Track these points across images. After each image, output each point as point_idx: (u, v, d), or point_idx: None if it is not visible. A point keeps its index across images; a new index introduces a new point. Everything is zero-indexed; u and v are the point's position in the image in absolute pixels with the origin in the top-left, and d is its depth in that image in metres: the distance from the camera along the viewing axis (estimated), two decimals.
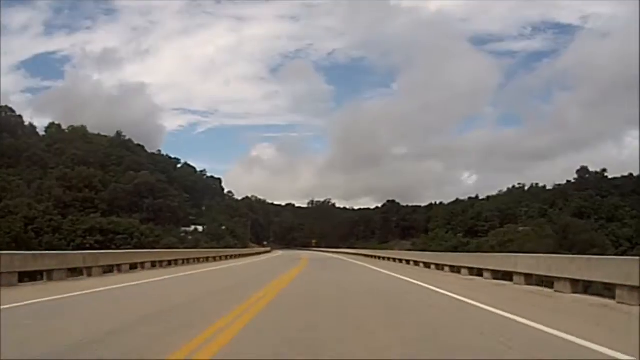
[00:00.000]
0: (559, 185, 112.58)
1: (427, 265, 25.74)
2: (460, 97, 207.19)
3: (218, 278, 19.23)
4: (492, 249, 61.58)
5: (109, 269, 18.72)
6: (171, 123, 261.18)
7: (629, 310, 8.72)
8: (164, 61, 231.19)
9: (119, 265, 19.56)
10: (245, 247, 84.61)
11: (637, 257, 9.47)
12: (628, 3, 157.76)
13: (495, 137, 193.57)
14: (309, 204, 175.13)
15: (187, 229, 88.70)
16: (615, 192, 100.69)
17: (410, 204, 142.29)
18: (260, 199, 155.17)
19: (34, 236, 63.71)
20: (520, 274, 13.93)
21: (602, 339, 5.93)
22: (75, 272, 16.58)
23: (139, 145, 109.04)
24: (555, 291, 11.66)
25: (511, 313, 8.27)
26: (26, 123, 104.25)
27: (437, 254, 30.55)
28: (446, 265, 21.97)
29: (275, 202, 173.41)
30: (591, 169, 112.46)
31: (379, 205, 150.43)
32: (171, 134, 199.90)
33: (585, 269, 10.86)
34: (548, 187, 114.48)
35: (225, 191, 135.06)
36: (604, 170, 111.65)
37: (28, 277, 14.31)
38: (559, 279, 11.72)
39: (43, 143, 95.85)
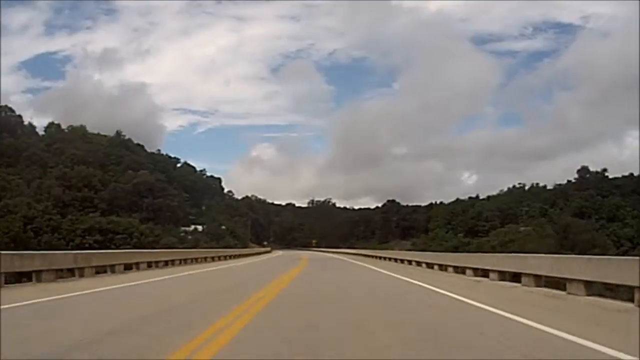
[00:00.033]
0: (560, 185, 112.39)
1: (429, 265, 25.09)
2: (460, 97, 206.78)
3: (216, 279, 18.86)
4: (493, 249, 61.38)
5: (102, 270, 18.04)
6: (171, 123, 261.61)
7: None
8: (164, 61, 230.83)
9: (112, 266, 18.87)
10: (245, 247, 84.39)
11: None
12: (628, 3, 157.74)
13: (495, 137, 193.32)
14: (309, 203, 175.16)
15: (187, 228, 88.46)
16: (616, 192, 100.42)
17: (410, 204, 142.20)
18: (260, 199, 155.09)
19: (32, 236, 63.62)
20: (529, 275, 13.40)
21: (620, 345, 5.67)
22: (68, 273, 16.16)
23: (138, 144, 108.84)
24: (568, 293, 11.15)
25: (529, 319, 7.57)
26: (25, 123, 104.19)
27: (440, 254, 29.77)
28: (450, 266, 21.39)
29: (276, 202, 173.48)
30: (591, 169, 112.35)
31: (379, 205, 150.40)
32: (171, 134, 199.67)
33: (600, 270, 10.37)
34: (548, 187, 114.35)
35: (225, 191, 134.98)
36: (605, 170, 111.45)
37: (15, 278, 13.81)
38: (571, 280, 11.21)
39: (42, 143, 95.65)
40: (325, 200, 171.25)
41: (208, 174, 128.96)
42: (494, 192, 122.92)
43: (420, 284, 15.18)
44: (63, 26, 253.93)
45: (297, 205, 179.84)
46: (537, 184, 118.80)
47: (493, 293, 12.35)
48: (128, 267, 20.37)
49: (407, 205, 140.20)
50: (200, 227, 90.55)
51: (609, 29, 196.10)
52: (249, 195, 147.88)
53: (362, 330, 6.79)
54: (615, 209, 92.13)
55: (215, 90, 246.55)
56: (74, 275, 16.18)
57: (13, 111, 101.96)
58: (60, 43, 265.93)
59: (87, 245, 60.09)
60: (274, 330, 6.70)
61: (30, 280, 14.00)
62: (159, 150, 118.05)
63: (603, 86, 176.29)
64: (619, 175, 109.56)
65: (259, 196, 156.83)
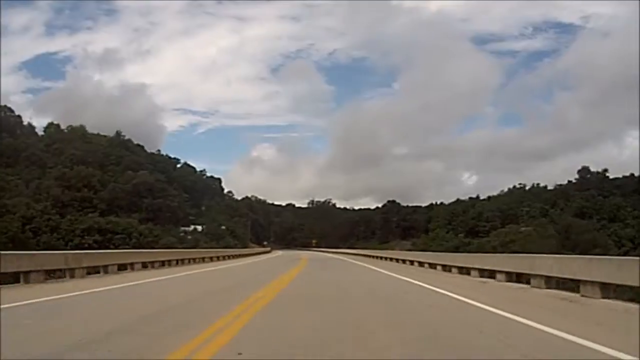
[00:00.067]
0: (560, 185, 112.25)
1: (432, 266, 24.47)
2: (460, 97, 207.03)
3: (213, 279, 18.38)
4: (494, 250, 61.08)
5: (94, 271, 17.37)
6: (172, 123, 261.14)
7: None
8: (164, 61, 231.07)
9: (105, 267, 18.19)
10: (245, 247, 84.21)
11: None
12: (628, 3, 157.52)
13: (495, 137, 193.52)
14: (309, 204, 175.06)
15: (187, 228, 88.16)
16: (617, 192, 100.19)
17: (410, 204, 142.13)
18: (260, 199, 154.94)
19: (31, 236, 63.25)
20: (539, 276, 12.85)
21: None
22: (59, 274, 15.63)
23: (138, 145, 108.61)
24: (582, 295, 10.64)
25: (548, 325, 6.94)
26: (25, 123, 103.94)
27: (444, 254, 28.88)
28: (454, 267, 20.77)
29: (276, 202, 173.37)
30: (592, 169, 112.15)
31: (379, 206, 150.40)
32: (171, 135, 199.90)
33: (618, 272, 9.80)
34: (549, 188, 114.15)
35: (225, 191, 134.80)
36: (605, 170, 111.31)
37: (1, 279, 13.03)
38: (585, 282, 10.69)
39: (42, 143, 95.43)
40: (325, 201, 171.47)
41: (208, 174, 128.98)
42: (494, 193, 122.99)
43: (424, 284, 14.74)
44: (63, 26, 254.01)
45: (297, 205, 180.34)
46: (538, 184, 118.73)
47: (503, 295, 11.77)
48: (123, 268, 19.72)
49: (407, 206, 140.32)
50: (200, 228, 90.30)
51: (609, 29, 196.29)
52: (249, 195, 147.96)
53: (362, 331, 6.65)
54: (616, 209, 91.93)
55: (216, 91, 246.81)
56: (64, 276, 15.59)
57: (12, 111, 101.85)
58: (61, 43, 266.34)
59: (86, 245, 59.71)
60: (273, 331, 6.58)
61: (18, 281, 13.42)
62: (158, 150, 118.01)
63: (603, 86, 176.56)
64: (620, 176, 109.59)
65: (259, 196, 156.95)
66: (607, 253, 55.05)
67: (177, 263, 27.34)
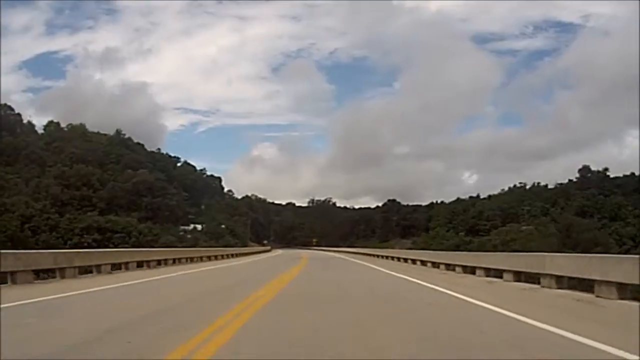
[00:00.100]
0: (561, 184, 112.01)
1: (435, 265, 23.78)
2: (461, 97, 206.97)
3: (209, 279, 17.91)
4: (495, 248, 60.85)
5: (86, 270, 16.88)
6: (172, 122, 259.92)
7: None
8: (165, 61, 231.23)
9: (98, 266, 17.60)
10: (245, 246, 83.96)
11: None
12: (628, 3, 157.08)
13: (496, 137, 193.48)
14: (309, 203, 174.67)
15: (186, 227, 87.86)
16: (618, 191, 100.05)
17: (410, 204, 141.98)
18: (260, 198, 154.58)
19: (30, 235, 63.01)
20: (550, 276, 12.30)
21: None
22: (51, 274, 15.16)
23: (138, 143, 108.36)
24: (597, 296, 10.11)
25: (563, 328, 6.51)
26: (25, 121, 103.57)
27: (447, 253, 27.89)
28: (458, 265, 20.05)
29: (276, 201, 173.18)
30: (592, 169, 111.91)
31: (380, 205, 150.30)
32: (172, 134, 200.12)
33: (636, 271, 9.20)
34: (550, 186, 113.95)
35: (225, 190, 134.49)
36: (606, 169, 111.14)
37: None
38: (600, 282, 10.17)
39: (41, 141, 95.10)
40: (325, 200, 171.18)
41: (208, 173, 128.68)
42: (495, 192, 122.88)
43: (428, 284, 14.19)
44: (64, 26, 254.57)
45: (297, 204, 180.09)
46: (538, 183, 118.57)
47: (514, 296, 11.26)
48: (117, 267, 19.17)
49: (407, 205, 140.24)
50: (199, 227, 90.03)
51: (610, 29, 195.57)
52: (249, 194, 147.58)
53: (366, 336, 6.37)
54: (617, 208, 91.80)
55: (217, 90, 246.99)
56: (55, 277, 15.06)
57: (12, 109, 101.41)
58: (62, 43, 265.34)
59: (85, 244, 59.44)
60: (272, 331, 6.42)
61: (5, 282, 12.79)
62: (158, 149, 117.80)
63: (603, 85, 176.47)
64: (620, 175, 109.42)
65: (259, 195, 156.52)
66: (608, 252, 54.82)
67: (173, 262, 26.71)
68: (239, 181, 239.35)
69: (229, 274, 20.96)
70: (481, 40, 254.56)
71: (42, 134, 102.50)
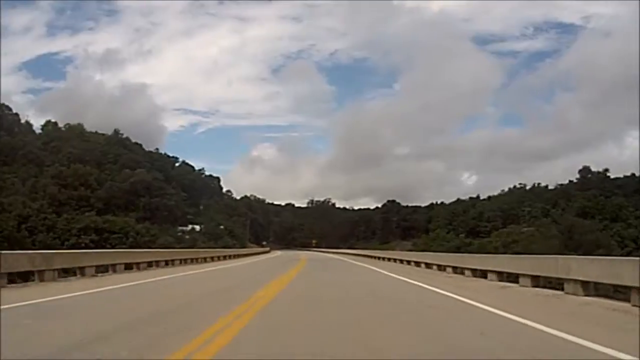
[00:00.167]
0: (561, 185, 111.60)
1: (441, 267, 22.64)
2: (461, 97, 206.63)
3: (201, 282, 16.80)
4: (496, 250, 60.40)
5: (67, 273, 15.82)
6: (172, 123, 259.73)
7: None
8: (165, 62, 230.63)
9: (81, 268, 16.32)
10: (244, 247, 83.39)
11: None
12: (629, 3, 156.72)
13: (496, 137, 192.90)
14: (308, 203, 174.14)
15: (184, 228, 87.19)
16: (619, 192, 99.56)
17: (410, 204, 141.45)
18: (259, 198, 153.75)
19: (27, 235, 62.39)
20: (575, 281, 11.29)
21: None
22: (31, 277, 14.01)
23: (136, 143, 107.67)
24: (633, 305, 9.24)
25: (606, 345, 5.68)
26: (22, 121, 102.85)
27: (453, 255, 26.26)
28: (467, 269, 18.94)
29: (275, 202, 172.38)
30: (593, 169, 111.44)
31: (379, 206, 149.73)
32: (172, 134, 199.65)
33: None
34: (550, 187, 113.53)
35: (224, 190, 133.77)
36: (607, 170, 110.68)
37: None
38: (637, 289, 9.16)
39: (39, 141, 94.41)
40: (324, 200, 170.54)
41: (207, 173, 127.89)
42: (495, 193, 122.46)
43: (438, 290, 13.05)
44: (65, 27, 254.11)
45: (296, 205, 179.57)
46: (539, 184, 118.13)
47: (541, 305, 10.04)
48: (104, 269, 18.04)
49: (407, 206, 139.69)
50: (198, 227, 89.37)
51: (610, 29, 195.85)
52: (248, 195, 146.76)
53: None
54: (618, 209, 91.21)
55: (217, 91, 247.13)
56: (33, 280, 13.92)
57: (10, 109, 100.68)
58: (62, 44, 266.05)
59: (82, 244, 58.94)
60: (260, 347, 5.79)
61: None
62: (157, 148, 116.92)
63: (604, 86, 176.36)
64: (621, 176, 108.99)
65: (258, 196, 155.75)
66: (610, 254, 54.29)
67: (166, 264, 25.29)
68: (239, 182, 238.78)
69: (220, 277, 20.12)
70: (482, 41, 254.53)
71: (40, 133, 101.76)
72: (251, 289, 12.63)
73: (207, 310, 8.41)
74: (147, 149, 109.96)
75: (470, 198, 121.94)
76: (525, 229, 78.23)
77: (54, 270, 14.59)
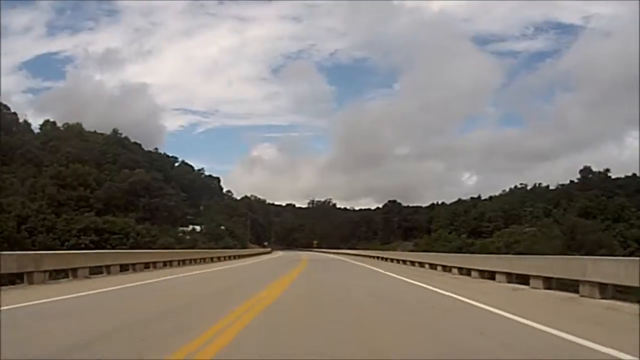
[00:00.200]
0: (563, 185, 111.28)
1: (446, 268, 21.86)
2: (461, 97, 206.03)
3: (197, 285, 15.89)
4: (498, 250, 60.06)
5: (60, 275, 15.17)
6: (172, 123, 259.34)
7: None
8: (165, 61, 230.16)
9: (74, 270, 15.46)
10: (245, 247, 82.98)
11: None
12: (629, 3, 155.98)
13: (496, 137, 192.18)
14: (309, 204, 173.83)
15: (185, 228, 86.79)
16: (620, 192, 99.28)
17: (411, 205, 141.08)
18: (259, 199, 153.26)
19: (27, 236, 62.06)
20: (592, 283, 10.64)
21: None
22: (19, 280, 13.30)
23: (135, 143, 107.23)
24: None
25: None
26: (21, 120, 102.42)
27: (462, 256, 25.28)
28: (473, 270, 18.24)
29: (276, 203, 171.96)
30: (594, 169, 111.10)
31: (380, 206, 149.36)
32: (172, 134, 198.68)
33: None
34: (551, 187, 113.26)
35: (224, 190, 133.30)
36: (607, 170, 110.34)
37: None
38: None
39: (37, 140, 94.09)
40: (325, 201, 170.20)
41: (207, 173, 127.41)
42: (495, 193, 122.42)
43: (451, 294, 11.91)
44: (65, 27, 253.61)
45: (297, 205, 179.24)
46: (540, 184, 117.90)
47: (554, 309, 9.47)
48: (98, 271, 17.37)
49: (408, 206, 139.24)
50: (198, 228, 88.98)
51: (610, 29, 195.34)
52: (249, 195, 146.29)
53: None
54: (620, 210, 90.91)
55: (216, 91, 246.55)
56: (21, 282, 13.19)
57: (8, 108, 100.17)
58: (62, 44, 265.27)
59: (82, 245, 58.65)
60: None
61: None
62: (156, 148, 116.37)
63: (604, 86, 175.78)
64: (622, 176, 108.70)
65: (259, 196, 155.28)
66: (613, 254, 53.88)
67: (164, 265, 24.45)
68: (239, 182, 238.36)
69: (220, 278, 19.46)
70: (482, 41, 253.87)
71: (38, 133, 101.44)
72: (253, 290, 12.30)
73: (198, 318, 7.82)
74: (146, 149, 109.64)
75: (472, 198, 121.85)
76: (528, 229, 77.84)
77: (43, 272, 13.90)
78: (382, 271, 23.84)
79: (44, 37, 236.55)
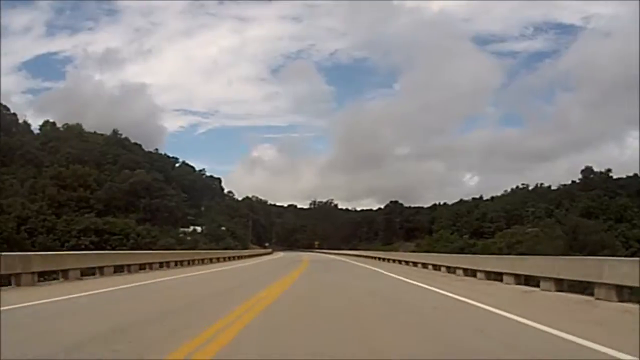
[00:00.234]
0: (564, 185, 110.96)
1: (451, 269, 21.29)
2: (462, 97, 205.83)
3: (190, 287, 15.16)
4: (500, 251, 59.69)
5: (50, 276, 14.72)
6: (172, 124, 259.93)
7: None
8: (165, 62, 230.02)
9: (65, 271, 14.86)
10: (246, 248, 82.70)
11: None
12: (629, 3, 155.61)
13: (496, 137, 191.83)
14: (310, 204, 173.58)
15: (186, 229, 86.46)
16: (622, 192, 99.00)
17: (413, 205, 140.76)
18: (261, 199, 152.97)
19: (26, 237, 61.82)
20: (608, 285, 10.10)
21: None
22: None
23: (135, 143, 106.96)
24: None
25: None
26: (20, 121, 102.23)
27: (468, 256, 24.38)
28: (479, 271, 17.60)
29: (277, 203, 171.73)
30: (595, 169, 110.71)
31: (382, 207, 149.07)
32: (172, 135, 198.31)
33: None
34: (553, 188, 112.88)
35: (226, 191, 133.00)
36: (609, 170, 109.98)
37: None
38: None
39: (37, 141, 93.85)
40: (327, 201, 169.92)
41: (207, 174, 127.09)
42: (496, 193, 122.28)
43: (458, 297, 11.33)
44: (64, 27, 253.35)
45: (298, 206, 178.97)
46: (542, 184, 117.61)
47: (573, 313, 8.82)
48: (91, 272, 16.84)
49: (410, 207, 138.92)
50: (199, 228, 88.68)
51: (610, 29, 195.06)
52: (250, 196, 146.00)
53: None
54: (622, 210, 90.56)
55: (216, 91, 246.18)
56: (8, 284, 12.60)
57: (8, 109, 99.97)
58: (61, 44, 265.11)
59: (82, 246, 58.36)
60: None
61: None
62: (156, 149, 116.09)
63: (604, 86, 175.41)
64: (624, 176, 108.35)
65: (260, 197, 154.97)
66: (615, 254, 53.49)
67: (160, 266, 23.66)
68: (240, 182, 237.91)
69: (218, 279, 19.01)
70: (482, 41, 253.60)
71: (38, 134, 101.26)
72: (252, 291, 12.11)
73: (190, 323, 7.25)
74: (146, 150, 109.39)
75: (473, 199, 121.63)
76: (530, 229, 77.48)
77: (32, 273, 13.31)
78: (383, 272, 23.52)
79: (44, 37, 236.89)
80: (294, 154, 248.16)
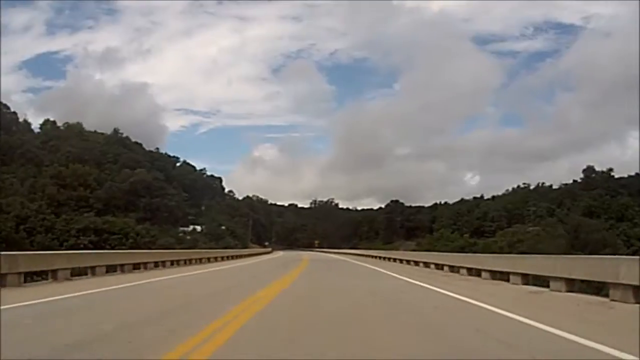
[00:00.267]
0: (566, 184, 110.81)
1: (454, 269, 20.71)
2: (462, 97, 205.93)
3: (184, 288, 14.25)
4: (501, 250, 59.51)
5: (38, 276, 14.37)
6: (173, 123, 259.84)
7: None
8: (166, 61, 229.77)
9: (54, 271, 14.40)
10: (246, 247, 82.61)
11: None
12: (629, 3, 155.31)
13: (497, 137, 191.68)
14: (311, 204, 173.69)
15: (186, 229, 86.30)
16: (624, 191, 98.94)
17: (413, 205, 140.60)
18: (261, 199, 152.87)
19: (25, 236, 61.61)
20: (625, 286, 9.60)
21: None
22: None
23: (136, 142, 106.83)
24: None
25: None
26: (20, 120, 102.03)
27: (472, 256, 23.87)
28: (484, 270, 17.04)
29: (278, 203, 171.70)
30: (596, 169, 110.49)
31: (382, 206, 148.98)
32: (173, 135, 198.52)
33: None
34: (554, 187, 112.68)
35: (226, 191, 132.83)
36: (610, 169, 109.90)
37: None
38: None
39: (37, 140, 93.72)
40: (327, 201, 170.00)
41: (208, 173, 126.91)
42: (497, 193, 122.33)
43: (464, 298, 10.82)
44: (64, 26, 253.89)
45: (299, 205, 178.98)
46: (543, 183, 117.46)
47: (592, 317, 8.23)
48: (82, 272, 16.33)
49: (410, 206, 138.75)
50: (199, 228, 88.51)
51: (610, 29, 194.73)
52: (250, 195, 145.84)
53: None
54: (624, 209, 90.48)
55: (217, 91, 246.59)
56: None
57: (8, 108, 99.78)
58: (62, 43, 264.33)
59: (81, 245, 58.19)
60: None
61: None
62: (157, 148, 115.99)
63: (604, 86, 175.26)
64: (625, 175, 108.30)
65: (261, 196, 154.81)
66: (616, 253, 53.21)
67: (155, 266, 22.96)
68: (240, 182, 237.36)
69: (215, 279, 18.64)
70: (482, 41, 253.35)
71: (38, 132, 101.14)
72: (250, 291, 11.93)
73: (180, 327, 6.78)
74: (147, 149, 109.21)
75: (474, 198, 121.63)
76: (531, 228, 77.35)
77: (18, 274, 12.80)
78: (384, 271, 23.28)
79: (44, 36, 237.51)
80: (294, 154, 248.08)
